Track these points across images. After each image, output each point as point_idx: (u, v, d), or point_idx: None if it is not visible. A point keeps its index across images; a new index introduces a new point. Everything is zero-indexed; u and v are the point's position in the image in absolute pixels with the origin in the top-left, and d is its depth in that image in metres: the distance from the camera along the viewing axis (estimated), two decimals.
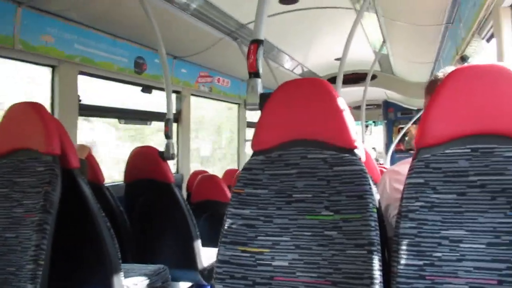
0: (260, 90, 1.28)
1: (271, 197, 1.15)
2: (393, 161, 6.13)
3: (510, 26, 1.69)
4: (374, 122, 7.27)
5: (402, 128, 6.40)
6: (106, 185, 2.43)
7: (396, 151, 6.50)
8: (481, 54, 2.43)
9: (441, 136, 1.01)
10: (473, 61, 2.51)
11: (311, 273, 1.07)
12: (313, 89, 1.16)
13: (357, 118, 5.34)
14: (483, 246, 0.94)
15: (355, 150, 1.12)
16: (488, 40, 2.21)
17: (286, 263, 1.10)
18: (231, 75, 4.18)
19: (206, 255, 2.39)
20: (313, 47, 4.07)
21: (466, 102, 0.99)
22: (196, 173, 3.49)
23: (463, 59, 2.53)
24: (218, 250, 1.15)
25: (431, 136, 1.02)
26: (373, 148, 7.77)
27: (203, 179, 2.93)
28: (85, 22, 2.50)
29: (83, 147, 2.28)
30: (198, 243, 2.33)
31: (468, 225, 0.96)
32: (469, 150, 0.99)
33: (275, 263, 1.10)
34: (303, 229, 1.11)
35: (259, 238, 1.13)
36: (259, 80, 1.29)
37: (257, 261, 1.12)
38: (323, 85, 1.16)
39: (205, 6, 2.69)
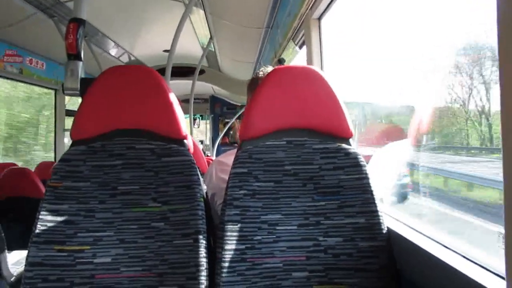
0: (81, 74, 1.17)
1: (93, 190, 1.07)
2: (218, 154, 6.42)
3: (318, 35, 1.95)
4: (201, 115, 7.49)
5: (227, 122, 6.76)
6: None
7: (222, 144, 6.84)
8: (295, 58, 2.74)
9: (262, 129, 1.10)
10: (289, 64, 2.81)
11: (136, 267, 1.04)
12: (141, 78, 1.12)
13: (185, 111, 5.43)
14: (295, 227, 1.07)
15: (184, 141, 1.13)
16: (300, 47, 2.51)
17: (109, 259, 1.04)
18: (46, 56, 3.71)
19: (15, 260, 2.07)
20: (141, 36, 3.93)
21: (283, 99, 1.10)
22: (2, 166, 2.99)
23: (280, 61, 2.80)
24: (28, 252, 1.02)
25: (253, 129, 1.10)
26: (201, 141, 8.01)
27: (10, 173, 2.54)
28: None
29: None
30: (2, 248, 2.00)
31: (283, 209, 1.07)
32: (285, 142, 1.10)
33: (96, 260, 1.03)
34: (129, 222, 1.06)
35: (79, 235, 1.04)
36: (80, 63, 1.18)
37: (76, 260, 1.03)
38: (152, 74, 1.13)
39: None
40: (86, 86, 1.13)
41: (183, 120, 1.13)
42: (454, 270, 0.77)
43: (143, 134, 1.11)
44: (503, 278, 0.62)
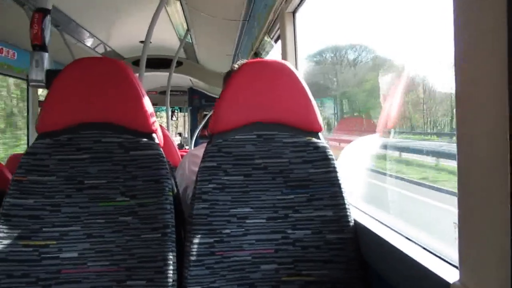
0: (46, 65, 1.15)
1: (59, 184, 1.06)
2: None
3: (292, 30, 1.95)
4: (180, 108, 7.41)
5: (206, 115, 6.70)
6: None
7: (201, 136, 6.78)
8: (272, 52, 2.73)
9: (232, 123, 1.11)
10: (265, 57, 2.80)
11: (103, 262, 1.03)
12: (108, 70, 1.10)
13: (163, 103, 5.35)
14: (264, 220, 1.08)
15: (153, 134, 1.12)
16: (275, 41, 2.50)
17: (75, 254, 1.03)
18: (18, 46, 3.60)
19: None
20: (117, 26, 3.85)
21: (254, 92, 1.11)
22: None
23: (256, 55, 2.80)
24: None
25: (223, 122, 1.11)
26: (179, 133, 7.94)
27: None
28: None
29: None
30: None
31: (252, 202, 1.08)
32: (255, 136, 1.11)
33: (63, 255, 1.02)
34: (96, 216, 1.06)
35: (44, 229, 1.03)
36: (45, 55, 1.15)
37: (42, 255, 1.02)
38: (120, 67, 1.11)
39: None
40: (52, 78, 1.11)
41: (152, 114, 1.12)
42: (414, 261, 0.80)
43: (111, 128, 1.09)
44: (456, 267, 0.64)
